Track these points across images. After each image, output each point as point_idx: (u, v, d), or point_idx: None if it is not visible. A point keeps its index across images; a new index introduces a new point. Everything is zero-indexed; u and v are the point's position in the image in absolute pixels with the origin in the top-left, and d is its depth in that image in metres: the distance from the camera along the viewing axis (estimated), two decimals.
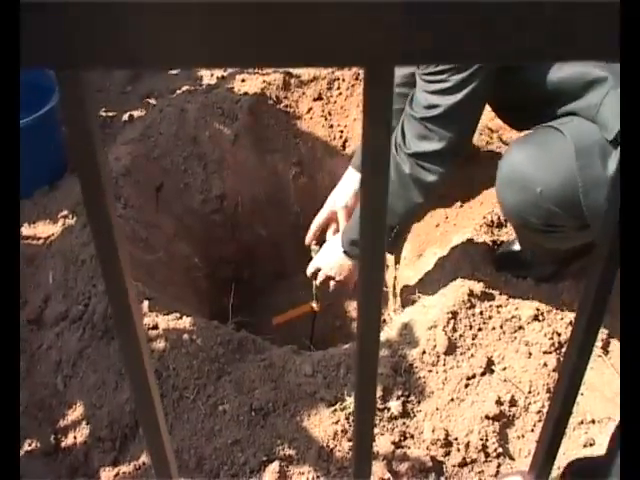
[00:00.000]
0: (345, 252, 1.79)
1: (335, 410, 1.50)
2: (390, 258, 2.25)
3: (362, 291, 0.39)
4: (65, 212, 2.07)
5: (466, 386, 1.57)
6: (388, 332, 1.71)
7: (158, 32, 0.29)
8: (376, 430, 1.47)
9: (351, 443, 1.46)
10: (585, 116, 1.46)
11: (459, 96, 1.46)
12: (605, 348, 1.68)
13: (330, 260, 1.87)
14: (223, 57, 0.30)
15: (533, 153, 1.49)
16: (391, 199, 1.60)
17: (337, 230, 1.94)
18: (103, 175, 0.33)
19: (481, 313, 1.70)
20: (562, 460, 1.48)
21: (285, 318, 2.20)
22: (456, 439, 1.48)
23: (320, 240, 2.00)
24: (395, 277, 2.30)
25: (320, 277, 1.91)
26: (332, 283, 1.93)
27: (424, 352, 1.61)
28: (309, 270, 1.95)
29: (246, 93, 2.42)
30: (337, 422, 1.47)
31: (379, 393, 1.50)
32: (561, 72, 1.49)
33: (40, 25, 0.29)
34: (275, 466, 1.39)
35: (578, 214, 1.45)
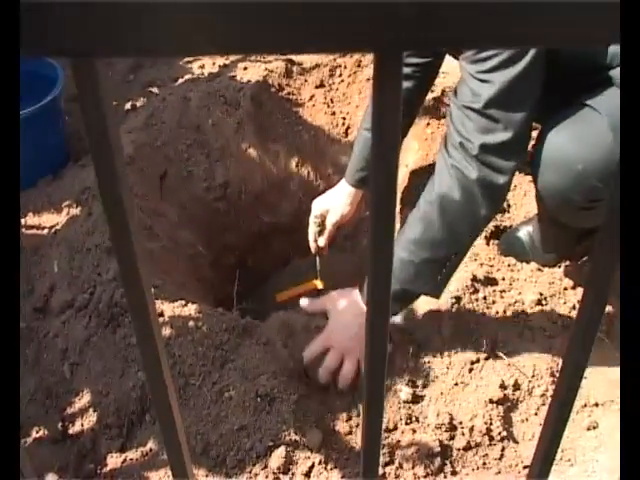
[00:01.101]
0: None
1: None
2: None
3: (371, 272, 0.39)
4: (69, 201, 2.08)
5: (470, 370, 1.58)
6: (392, 318, 1.71)
7: (170, 21, 0.30)
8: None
9: (356, 427, 1.48)
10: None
11: (522, 64, 1.32)
12: (608, 331, 1.69)
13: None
14: (238, 44, 0.30)
15: (570, 132, 1.47)
16: (454, 222, 1.44)
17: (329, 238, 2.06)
18: (118, 157, 0.34)
19: (485, 298, 1.71)
20: (566, 443, 1.50)
21: (288, 295, 2.20)
22: (460, 423, 1.49)
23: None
24: None
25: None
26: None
27: (428, 337, 1.62)
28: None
29: (248, 81, 2.42)
30: None
31: None
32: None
33: (56, 15, 0.29)
34: (281, 451, 1.40)
35: None
